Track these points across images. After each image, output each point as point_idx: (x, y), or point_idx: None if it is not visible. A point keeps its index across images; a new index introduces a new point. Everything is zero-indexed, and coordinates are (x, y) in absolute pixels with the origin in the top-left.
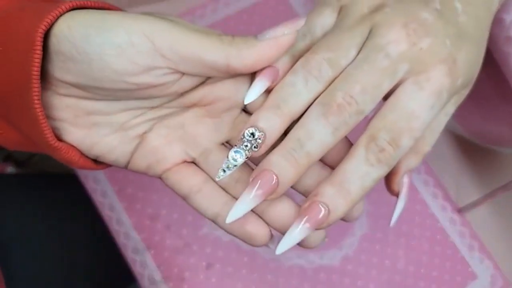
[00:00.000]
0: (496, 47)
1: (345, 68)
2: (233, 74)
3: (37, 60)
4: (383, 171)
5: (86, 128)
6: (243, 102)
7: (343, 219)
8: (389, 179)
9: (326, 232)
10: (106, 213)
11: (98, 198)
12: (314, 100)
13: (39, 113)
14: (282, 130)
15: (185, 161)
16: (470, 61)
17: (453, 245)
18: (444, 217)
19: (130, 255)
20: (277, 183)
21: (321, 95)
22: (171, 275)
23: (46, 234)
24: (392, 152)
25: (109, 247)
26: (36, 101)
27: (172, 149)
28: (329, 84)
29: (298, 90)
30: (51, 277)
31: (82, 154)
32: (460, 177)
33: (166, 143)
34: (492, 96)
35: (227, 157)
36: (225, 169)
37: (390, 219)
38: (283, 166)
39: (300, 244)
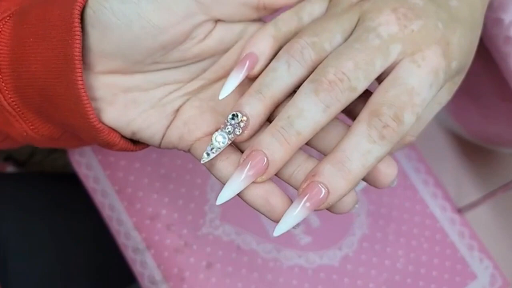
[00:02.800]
0: (495, 47)
1: (330, 52)
2: (263, 13)
3: (77, 38)
4: (386, 148)
5: (124, 105)
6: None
7: (334, 211)
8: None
9: (326, 233)
10: (106, 213)
11: (98, 198)
12: (299, 85)
13: (83, 94)
14: (265, 114)
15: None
16: (463, 45)
17: (453, 245)
18: (443, 217)
19: (130, 255)
20: (268, 163)
21: (313, 73)
22: (171, 275)
23: (45, 233)
24: (396, 128)
25: (109, 247)
26: (79, 81)
27: (204, 118)
28: (313, 69)
29: (280, 74)
30: (51, 277)
31: (121, 136)
32: (460, 177)
33: (198, 114)
34: (492, 96)
35: (211, 140)
36: (209, 152)
37: (390, 220)
38: (273, 145)
39: (330, 209)
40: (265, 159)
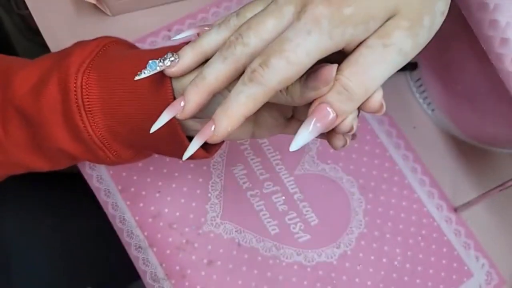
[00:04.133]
0: (492, 49)
1: None
2: None
3: (170, 96)
4: (255, 88)
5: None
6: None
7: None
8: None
9: (324, 231)
10: (109, 211)
11: (101, 197)
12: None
13: (182, 134)
14: (193, 59)
15: None
16: None
17: (449, 243)
18: (440, 216)
19: (133, 253)
20: (184, 104)
21: None
22: (173, 272)
23: (49, 232)
24: (262, 71)
25: (114, 245)
26: (183, 136)
27: None
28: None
29: (211, 32)
30: (54, 275)
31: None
32: (456, 177)
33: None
34: (488, 96)
35: (145, 66)
36: (141, 73)
37: (387, 219)
38: (189, 90)
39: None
40: (183, 101)
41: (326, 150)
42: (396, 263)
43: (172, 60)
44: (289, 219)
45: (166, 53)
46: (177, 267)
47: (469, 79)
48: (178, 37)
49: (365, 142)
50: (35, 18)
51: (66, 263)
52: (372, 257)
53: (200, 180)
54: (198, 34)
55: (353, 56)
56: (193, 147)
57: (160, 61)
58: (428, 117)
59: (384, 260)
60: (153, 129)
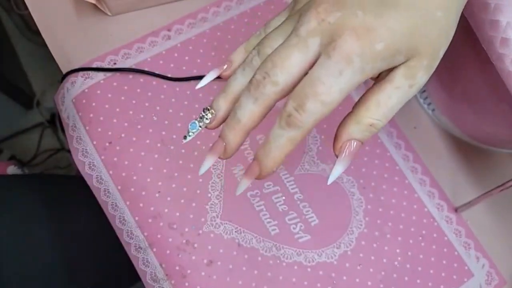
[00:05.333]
0: (492, 49)
1: None
2: None
3: None
4: (294, 132)
5: None
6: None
7: None
8: (333, 143)
9: (324, 231)
10: (109, 211)
11: (101, 197)
12: None
13: None
14: (228, 108)
15: None
16: (399, 28)
17: (450, 243)
18: (440, 216)
19: (133, 253)
20: (225, 146)
21: None
22: (173, 273)
23: (49, 233)
24: (299, 116)
25: (113, 246)
26: None
27: None
28: None
29: (237, 77)
30: (54, 276)
31: None
32: (456, 177)
33: None
34: (488, 97)
35: (188, 127)
36: (187, 136)
37: (387, 219)
38: (226, 133)
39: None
40: (223, 143)
41: (326, 150)
42: (396, 263)
43: (210, 117)
44: (289, 219)
45: (203, 110)
46: (177, 268)
47: (469, 79)
48: (202, 84)
49: (365, 143)
50: (35, 18)
51: (66, 264)
52: (373, 257)
53: (200, 180)
54: (220, 76)
55: (382, 97)
56: (243, 186)
57: (200, 120)
58: (429, 117)
59: (385, 260)
60: (200, 173)
